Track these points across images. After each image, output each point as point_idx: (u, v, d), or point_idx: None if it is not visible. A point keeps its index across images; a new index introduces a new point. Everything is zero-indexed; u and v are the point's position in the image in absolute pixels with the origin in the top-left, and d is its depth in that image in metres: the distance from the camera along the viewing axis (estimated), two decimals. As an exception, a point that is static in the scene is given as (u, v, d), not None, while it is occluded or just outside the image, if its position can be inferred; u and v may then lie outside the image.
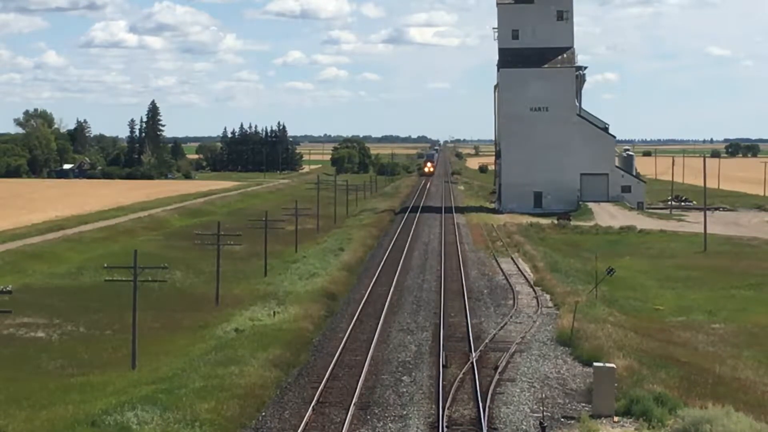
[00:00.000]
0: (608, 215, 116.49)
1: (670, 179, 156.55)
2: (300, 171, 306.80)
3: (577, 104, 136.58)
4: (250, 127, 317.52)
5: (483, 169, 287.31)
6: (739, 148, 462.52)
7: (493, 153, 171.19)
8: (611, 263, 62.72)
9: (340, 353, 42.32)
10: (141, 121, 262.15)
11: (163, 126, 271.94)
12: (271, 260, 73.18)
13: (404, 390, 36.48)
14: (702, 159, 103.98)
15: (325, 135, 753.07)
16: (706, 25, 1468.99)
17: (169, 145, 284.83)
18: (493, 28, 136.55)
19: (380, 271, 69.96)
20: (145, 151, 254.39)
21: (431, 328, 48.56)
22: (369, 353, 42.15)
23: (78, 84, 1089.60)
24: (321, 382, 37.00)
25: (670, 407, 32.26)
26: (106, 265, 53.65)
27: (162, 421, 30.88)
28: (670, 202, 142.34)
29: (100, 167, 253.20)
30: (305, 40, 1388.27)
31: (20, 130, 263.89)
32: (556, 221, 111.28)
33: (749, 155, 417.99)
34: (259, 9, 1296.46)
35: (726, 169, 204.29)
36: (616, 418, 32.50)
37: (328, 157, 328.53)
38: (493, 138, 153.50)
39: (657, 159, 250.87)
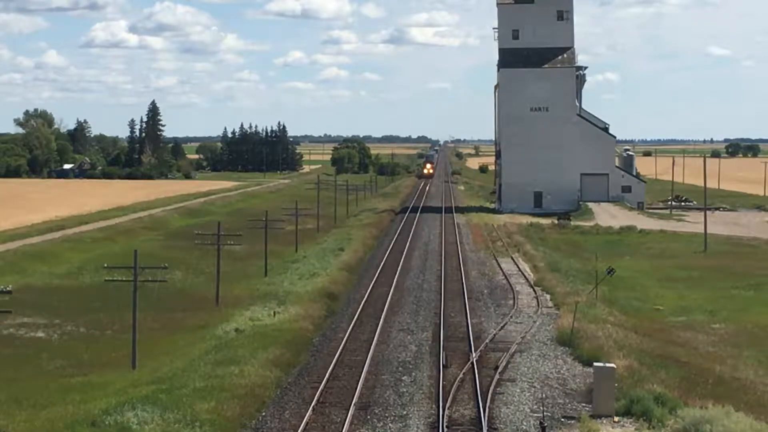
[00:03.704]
0: (608, 215, 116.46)
1: (670, 179, 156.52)
2: (300, 171, 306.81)
3: (578, 104, 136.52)
4: (251, 127, 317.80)
5: (483, 169, 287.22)
6: (739, 148, 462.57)
7: (494, 153, 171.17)
8: (611, 263, 62.67)
9: (341, 353, 42.33)
10: (141, 121, 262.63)
11: (164, 126, 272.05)
12: (271, 260, 73.18)
13: (404, 390, 36.48)
14: (702, 159, 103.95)
15: (325, 135, 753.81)
16: (706, 25, 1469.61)
17: (170, 145, 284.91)
18: (494, 28, 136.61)
19: (380, 271, 69.96)
20: (145, 151, 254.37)
21: (431, 328, 48.56)
22: (369, 353, 42.15)
23: (78, 84, 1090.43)
24: (321, 382, 37.01)
25: (670, 407, 32.26)
26: (106, 265, 53.64)
27: (162, 421, 30.88)
28: (670, 202, 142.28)
29: (100, 167, 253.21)
30: (306, 40, 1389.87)
31: (20, 130, 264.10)
32: (556, 221, 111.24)
33: (749, 155, 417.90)
34: (259, 9, 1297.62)
35: (726, 169, 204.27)
36: (616, 418, 32.51)
37: (328, 157, 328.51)
38: (494, 138, 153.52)
39: (657, 159, 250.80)
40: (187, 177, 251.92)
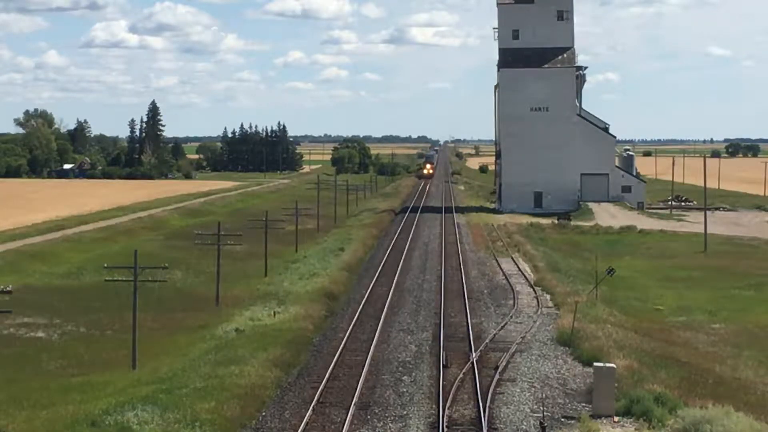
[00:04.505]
0: (608, 215, 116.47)
1: (671, 179, 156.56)
2: (300, 171, 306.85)
3: (578, 104, 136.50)
4: (251, 127, 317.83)
5: (483, 169, 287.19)
6: (740, 148, 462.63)
7: (494, 153, 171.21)
8: (611, 263, 62.68)
9: (341, 353, 42.33)
10: (141, 121, 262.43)
11: (164, 126, 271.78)
12: (271, 260, 73.19)
13: (404, 390, 36.48)
14: (702, 159, 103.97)
15: (325, 135, 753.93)
16: (706, 25, 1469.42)
17: (170, 145, 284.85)
18: (494, 28, 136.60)
19: (380, 271, 69.95)
20: (145, 151, 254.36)
21: (431, 328, 48.56)
22: (369, 353, 42.15)
23: (78, 84, 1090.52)
24: (321, 382, 37.01)
25: (670, 407, 32.27)
26: (106, 265, 53.63)
27: (162, 421, 30.89)
28: (670, 202, 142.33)
29: (100, 167, 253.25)
30: (306, 40, 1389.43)
31: (20, 130, 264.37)
32: (556, 221, 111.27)
33: (749, 155, 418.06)
34: (259, 9, 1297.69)
35: (726, 169, 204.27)
36: (616, 418, 32.51)
37: (328, 157, 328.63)
38: (494, 138, 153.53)
39: (657, 159, 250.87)
40: (187, 177, 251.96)
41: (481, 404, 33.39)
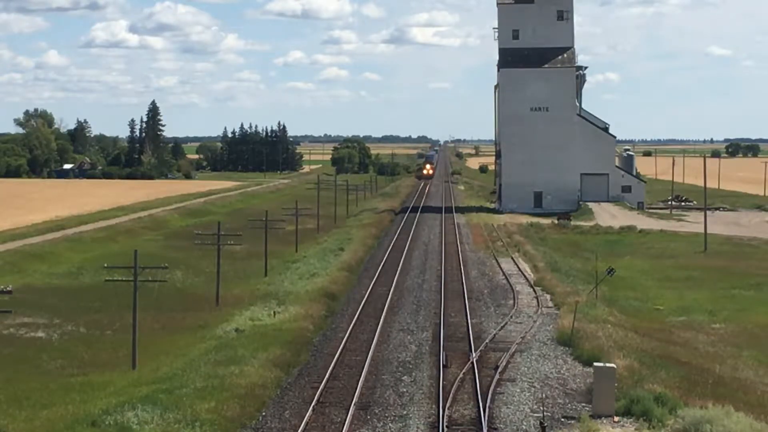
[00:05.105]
0: (608, 215, 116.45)
1: (671, 179, 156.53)
2: (300, 171, 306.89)
3: (578, 104, 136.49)
4: (251, 127, 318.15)
5: (483, 169, 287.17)
6: (740, 148, 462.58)
7: (494, 153, 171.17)
8: (611, 263, 62.67)
9: (341, 353, 42.33)
10: (141, 121, 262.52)
11: (164, 126, 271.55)
12: (271, 260, 73.17)
13: (404, 390, 36.48)
14: (702, 159, 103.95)
15: (326, 135, 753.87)
16: (706, 25, 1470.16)
17: (170, 145, 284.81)
18: (494, 28, 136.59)
19: (380, 271, 69.94)
20: (145, 151, 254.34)
21: (431, 328, 48.56)
22: (369, 353, 42.15)
23: (78, 84, 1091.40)
24: (321, 382, 37.02)
25: (670, 407, 32.26)
26: (106, 265, 53.63)
27: (162, 421, 30.90)
28: (670, 202, 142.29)
29: (100, 167, 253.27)
30: (306, 40, 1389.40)
31: (20, 130, 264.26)
32: (556, 221, 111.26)
33: (749, 155, 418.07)
34: (259, 9, 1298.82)
35: (726, 169, 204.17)
36: (616, 418, 32.51)
37: (328, 157, 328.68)
38: (494, 138, 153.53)
39: (657, 159, 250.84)
40: (187, 177, 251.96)
41: (481, 404, 33.40)
